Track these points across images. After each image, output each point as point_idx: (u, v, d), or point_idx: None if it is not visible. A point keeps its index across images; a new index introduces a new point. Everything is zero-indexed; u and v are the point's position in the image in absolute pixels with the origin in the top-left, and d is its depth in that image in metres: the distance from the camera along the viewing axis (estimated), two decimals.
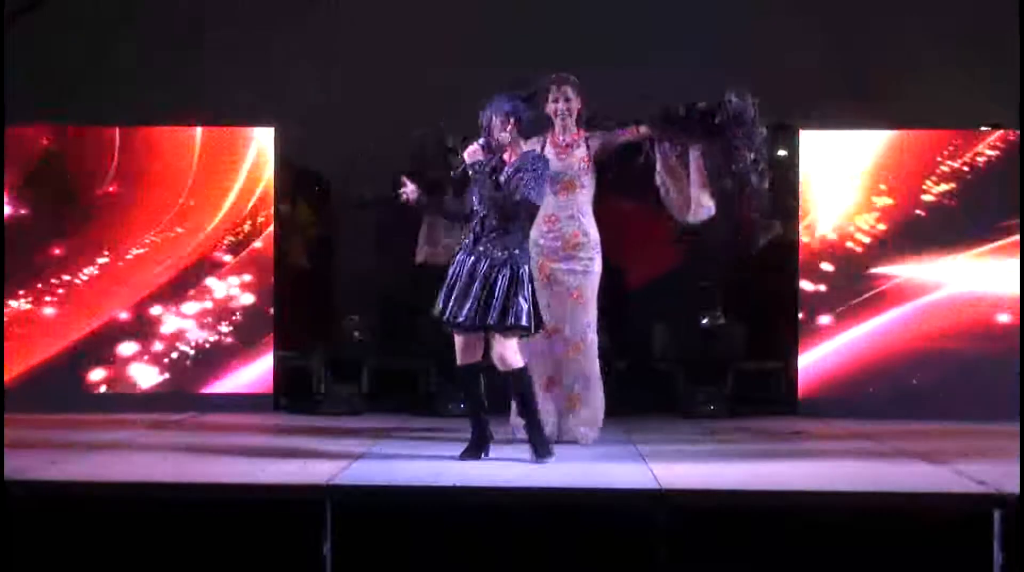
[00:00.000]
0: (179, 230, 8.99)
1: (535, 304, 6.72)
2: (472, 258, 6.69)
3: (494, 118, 6.75)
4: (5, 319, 8.76)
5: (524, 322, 6.64)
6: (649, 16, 10.32)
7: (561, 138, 7.46)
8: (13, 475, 5.82)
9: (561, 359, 7.40)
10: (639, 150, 7.49)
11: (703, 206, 7.41)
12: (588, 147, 7.46)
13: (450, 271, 6.76)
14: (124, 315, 8.97)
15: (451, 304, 6.66)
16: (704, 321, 9.28)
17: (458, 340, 6.77)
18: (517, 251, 6.72)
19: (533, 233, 7.26)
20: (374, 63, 10.29)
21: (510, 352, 6.69)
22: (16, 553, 5.48)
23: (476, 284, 6.63)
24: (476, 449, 6.73)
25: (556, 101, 7.45)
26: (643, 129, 7.45)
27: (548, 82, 7.47)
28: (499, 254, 6.67)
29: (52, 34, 10.18)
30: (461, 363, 6.79)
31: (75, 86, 10.08)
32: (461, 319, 6.63)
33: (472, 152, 6.77)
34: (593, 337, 7.42)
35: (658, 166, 7.45)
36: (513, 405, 7.19)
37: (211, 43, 10.28)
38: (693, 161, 7.36)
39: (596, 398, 7.46)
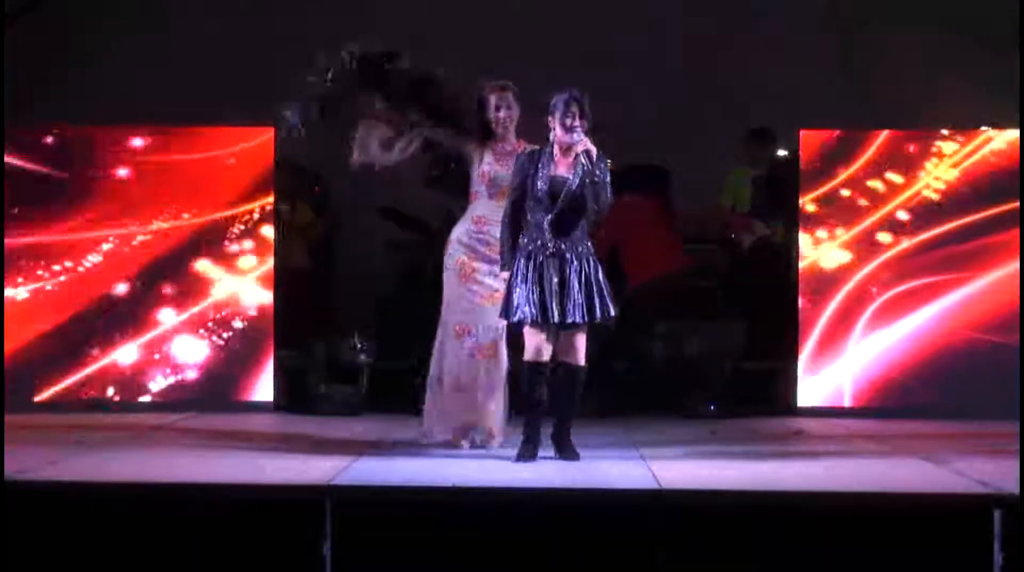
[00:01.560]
0: (178, 229, 8.99)
1: None
2: (555, 257, 6.57)
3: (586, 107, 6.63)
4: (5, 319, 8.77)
5: (615, 311, 6.65)
6: (648, 16, 10.33)
7: (501, 146, 7.21)
8: (13, 475, 5.82)
9: (469, 361, 7.14)
10: None
11: None
12: None
13: (527, 273, 6.58)
14: (122, 315, 8.95)
15: (550, 305, 6.52)
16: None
17: (534, 338, 6.62)
18: (589, 243, 6.70)
19: (459, 230, 7.16)
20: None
21: (583, 346, 6.67)
22: (16, 553, 5.47)
23: (575, 282, 6.55)
24: (533, 447, 6.65)
25: (499, 109, 7.19)
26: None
27: (489, 90, 7.23)
28: (580, 248, 6.62)
29: (52, 34, 10.19)
30: (536, 361, 6.64)
31: (75, 86, 10.08)
32: (571, 319, 6.52)
33: (586, 141, 6.59)
34: (503, 343, 7.16)
35: None
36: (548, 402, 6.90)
37: (211, 43, 10.28)
38: None
39: (499, 405, 7.19)
